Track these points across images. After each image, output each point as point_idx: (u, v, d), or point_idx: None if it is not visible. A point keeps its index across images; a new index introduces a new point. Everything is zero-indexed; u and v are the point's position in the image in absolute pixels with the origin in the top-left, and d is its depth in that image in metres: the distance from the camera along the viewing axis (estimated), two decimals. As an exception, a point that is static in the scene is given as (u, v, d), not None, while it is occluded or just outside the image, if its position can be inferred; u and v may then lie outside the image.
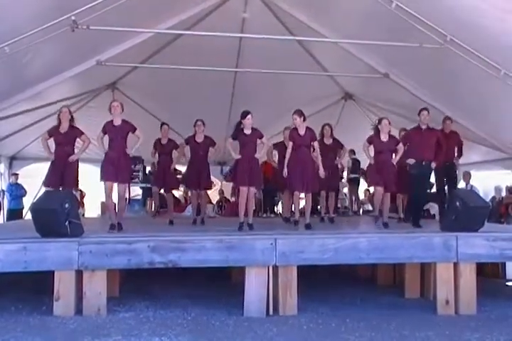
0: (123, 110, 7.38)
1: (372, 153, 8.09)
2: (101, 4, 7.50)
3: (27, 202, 12.36)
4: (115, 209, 7.47)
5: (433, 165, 7.94)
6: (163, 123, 9.17)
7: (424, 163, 7.88)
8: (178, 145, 8.98)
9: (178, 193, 13.06)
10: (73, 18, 7.52)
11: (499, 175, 10.92)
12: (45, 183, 7.71)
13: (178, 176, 9.87)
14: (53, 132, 7.70)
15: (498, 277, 8.41)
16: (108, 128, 7.32)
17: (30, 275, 6.00)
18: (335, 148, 9.26)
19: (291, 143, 7.75)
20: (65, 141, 7.61)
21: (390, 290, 7.23)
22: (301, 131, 7.67)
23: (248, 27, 10.47)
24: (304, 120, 7.70)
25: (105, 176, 7.15)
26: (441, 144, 8.09)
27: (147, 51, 11.06)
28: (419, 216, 8.13)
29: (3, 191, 12.43)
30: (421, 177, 7.93)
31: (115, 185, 7.18)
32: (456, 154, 9.25)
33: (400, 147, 8.00)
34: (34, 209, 6.26)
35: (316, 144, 7.96)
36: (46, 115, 11.41)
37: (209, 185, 9.16)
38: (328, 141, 9.10)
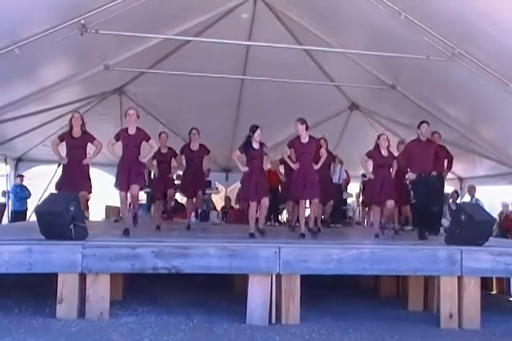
0: (138, 117, 7.45)
1: (370, 168, 8.19)
2: (110, 9, 7.57)
3: (31, 203, 12.39)
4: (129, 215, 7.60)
5: (434, 173, 8.04)
6: (162, 132, 9.19)
7: (424, 175, 7.93)
8: (177, 153, 8.98)
9: (182, 199, 13.03)
10: (82, 22, 7.57)
11: (505, 190, 10.87)
12: (58, 187, 7.62)
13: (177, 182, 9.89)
14: (65, 137, 7.64)
15: (503, 292, 8.37)
16: (122, 136, 7.35)
17: (34, 277, 5.98)
18: (328, 161, 9.27)
19: (290, 151, 7.79)
20: (77, 146, 7.56)
21: (393, 302, 7.18)
22: (304, 140, 7.69)
23: (256, 35, 10.52)
24: (307, 128, 7.71)
25: (120, 186, 7.24)
26: (439, 156, 8.22)
27: (155, 57, 11.12)
28: (424, 228, 8.03)
29: (8, 192, 12.43)
30: (424, 188, 7.94)
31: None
32: (445, 167, 9.29)
33: (395, 163, 8.13)
34: (39, 211, 6.24)
35: (322, 151, 8.11)
36: (53, 118, 11.48)
37: (202, 190, 9.35)
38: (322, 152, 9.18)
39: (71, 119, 7.66)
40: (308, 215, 7.90)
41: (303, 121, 7.67)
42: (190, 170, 8.77)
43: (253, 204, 7.49)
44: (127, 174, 7.17)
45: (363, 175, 13.19)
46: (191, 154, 8.77)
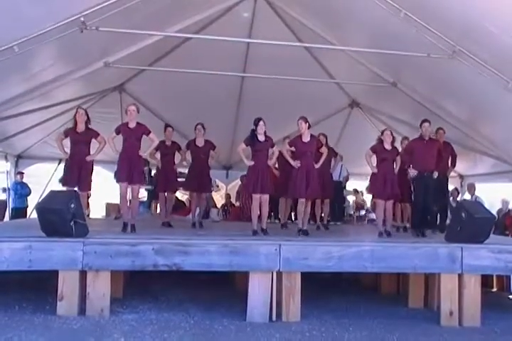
0: (138, 112, 7.52)
1: (374, 163, 8.22)
2: (110, 6, 7.52)
3: (31, 201, 12.39)
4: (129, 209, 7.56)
5: (435, 174, 7.97)
6: (167, 125, 9.22)
7: (426, 174, 7.92)
8: (180, 147, 9.04)
9: (183, 196, 13.04)
10: (82, 19, 7.54)
11: (506, 187, 10.87)
12: (63, 183, 7.66)
13: (182, 179, 9.87)
14: (69, 132, 7.66)
15: (503, 290, 8.38)
16: (123, 129, 7.39)
17: (35, 274, 6.00)
18: (329, 156, 9.30)
19: (290, 149, 7.84)
20: (81, 141, 7.59)
21: (393, 299, 7.21)
22: (305, 138, 7.74)
23: (256, 32, 10.50)
24: (309, 127, 7.77)
25: (120, 178, 7.25)
26: (442, 154, 8.20)
27: (155, 54, 11.10)
28: (420, 225, 8.00)
29: (8, 189, 12.44)
30: (423, 187, 7.95)
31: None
32: (449, 165, 9.26)
33: (399, 158, 8.14)
34: (40, 208, 6.26)
35: (323, 149, 8.14)
36: (53, 115, 11.46)
37: (209, 189, 9.37)
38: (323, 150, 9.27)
39: (75, 115, 7.66)
40: (305, 215, 7.90)
41: (306, 120, 7.72)
42: (196, 166, 8.75)
43: (256, 197, 7.46)
44: (128, 168, 7.20)
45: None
46: (197, 150, 8.78)
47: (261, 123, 7.50)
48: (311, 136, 7.79)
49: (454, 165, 9.46)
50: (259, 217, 7.61)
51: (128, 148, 7.27)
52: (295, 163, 7.66)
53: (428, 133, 8.12)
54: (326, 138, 9.42)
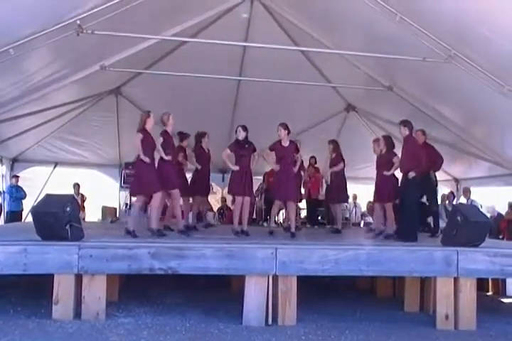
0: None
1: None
2: (106, 9, 7.54)
3: (26, 204, 12.36)
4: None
5: (410, 174, 7.60)
6: (187, 135, 9.22)
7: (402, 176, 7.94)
8: None
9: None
10: (78, 22, 7.54)
11: (501, 191, 10.91)
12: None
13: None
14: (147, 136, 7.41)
15: (498, 293, 8.39)
16: (168, 137, 7.64)
17: (30, 278, 5.96)
18: (340, 161, 9.59)
19: (273, 154, 8.15)
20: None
21: (389, 302, 7.21)
22: (285, 143, 8.11)
23: (252, 36, 10.52)
24: (289, 133, 8.10)
25: (175, 183, 7.55)
26: (416, 154, 7.83)
27: (151, 57, 11.10)
28: (403, 229, 7.76)
29: (3, 192, 12.40)
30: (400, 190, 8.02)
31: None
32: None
33: (395, 160, 8.31)
34: (35, 211, 6.23)
35: (298, 156, 8.55)
36: (49, 118, 11.45)
37: (209, 192, 9.58)
38: (331, 157, 9.66)
39: (148, 118, 7.46)
40: (288, 216, 8.05)
41: (285, 126, 8.10)
42: (205, 171, 9.00)
43: (239, 199, 7.81)
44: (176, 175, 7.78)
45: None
46: (206, 155, 9.02)
47: (239, 129, 7.92)
48: (290, 141, 8.16)
49: (435, 167, 9.07)
50: (241, 218, 7.92)
51: (171, 157, 7.58)
52: (275, 167, 8.05)
53: (401, 135, 8.14)
54: (336, 144, 9.73)
